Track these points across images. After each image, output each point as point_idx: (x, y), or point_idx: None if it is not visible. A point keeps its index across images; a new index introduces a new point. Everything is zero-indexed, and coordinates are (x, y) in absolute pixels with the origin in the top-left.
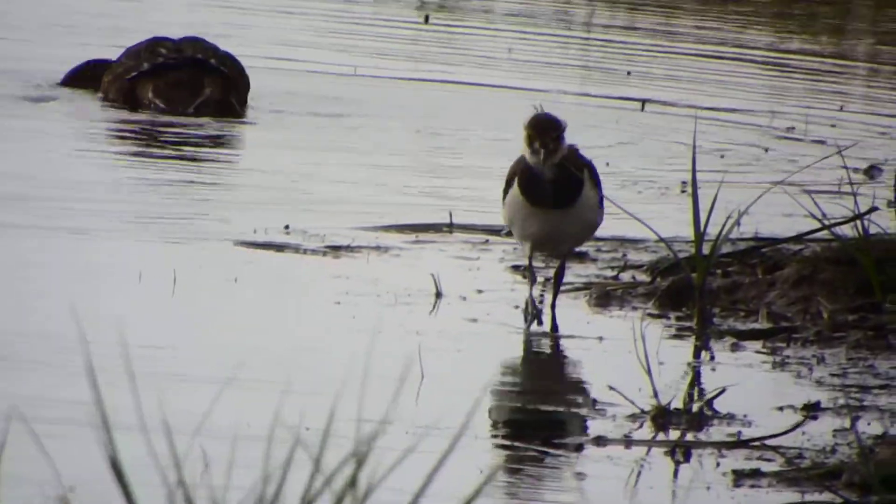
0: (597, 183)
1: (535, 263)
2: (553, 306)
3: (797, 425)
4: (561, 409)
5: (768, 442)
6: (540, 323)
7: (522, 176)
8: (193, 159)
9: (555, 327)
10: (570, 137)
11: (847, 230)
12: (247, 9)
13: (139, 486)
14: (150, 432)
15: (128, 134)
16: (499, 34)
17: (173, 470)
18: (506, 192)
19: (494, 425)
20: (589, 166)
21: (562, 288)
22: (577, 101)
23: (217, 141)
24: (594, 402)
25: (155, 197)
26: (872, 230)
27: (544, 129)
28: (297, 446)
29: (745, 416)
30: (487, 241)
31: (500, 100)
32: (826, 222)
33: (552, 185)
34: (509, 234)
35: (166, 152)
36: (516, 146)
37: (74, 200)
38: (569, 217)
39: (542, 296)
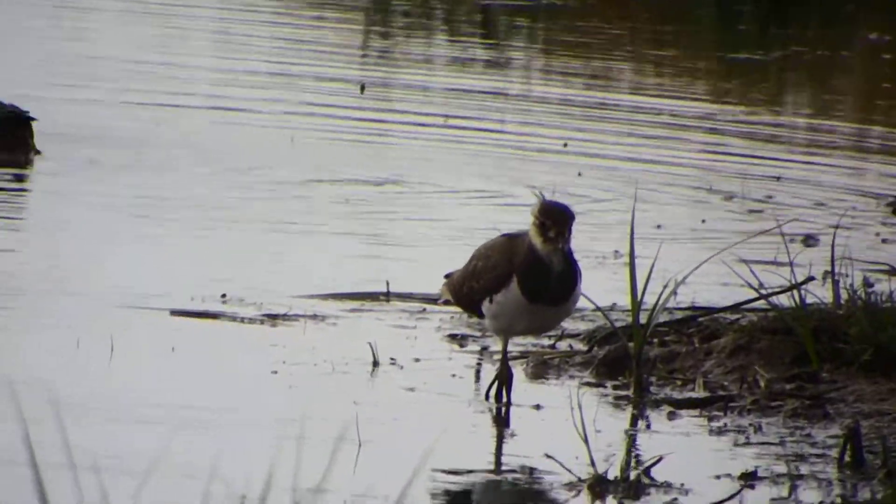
0: (581, 275)
1: (466, 332)
2: (498, 398)
3: (734, 494)
4: (498, 478)
5: None
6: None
7: (527, 268)
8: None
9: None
10: (504, 213)
11: (784, 300)
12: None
13: None
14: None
15: None
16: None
17: None
18: (495, 288)
19: (432, 495)
20: (575, 260)
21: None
22: (515, 167)
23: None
24: (532, 470)
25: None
26: (809, 300)
27: (562, 218)
28: None
29: (682, 484)
30: (424, 309)
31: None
32: (763, 292)
33: (558, 276)
34: (447, 303)
35: None
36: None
37: None
38: (559, 311)
39: (479, 363)
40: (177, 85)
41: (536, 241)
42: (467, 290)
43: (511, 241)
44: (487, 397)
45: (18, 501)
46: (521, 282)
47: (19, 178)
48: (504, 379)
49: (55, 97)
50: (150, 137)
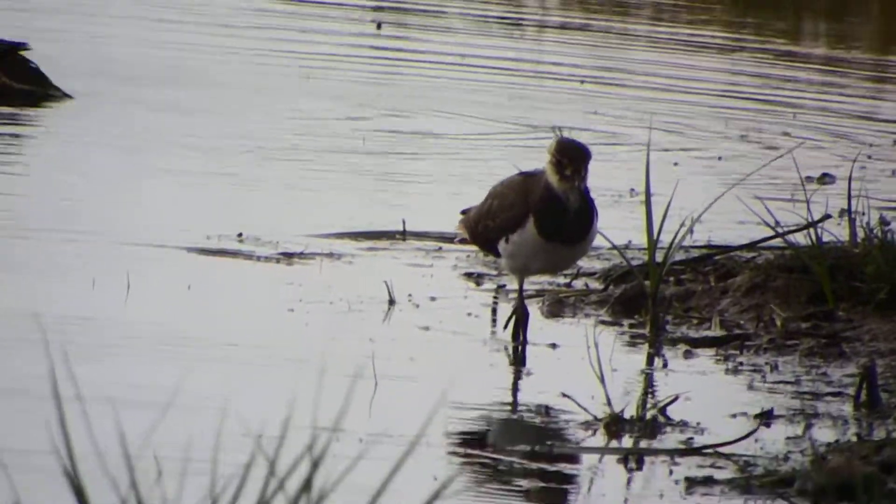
0: (596, 213)
1: (482, 270)
2: (515, 337)
3: (750, 433)
4: (514, 416)
5: (721, 449)
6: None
7: (544, 206)
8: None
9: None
10: (521, 150)
11: (800, 238)
12: None
13: (95, 496)
14: (102, 438)
15: None
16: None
17: (127, 477)
18: (512, 227)
19: (447, 433)
20: (591, 197)
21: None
22: (531, 106)
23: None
24: (547, 409)
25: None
26: (825, 238)
27: (580, 157)
28: (255, 452)
29: (698, 423)
30: (440, 248)
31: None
32: (779, 230)
33: (575, 215)
34: (463, 241)
35: None
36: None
37: None
38: (575, 250)
39: (495, 302)
40: (193, 25)
41: (553, 179)
42: (482, 229)
43: (527, 179)
44: (505, 331)
45: (34, 434)
46: (537, 221)
47: (31, 118)
48: (520, 317)
49: (73, 31)
50: (163, 75)
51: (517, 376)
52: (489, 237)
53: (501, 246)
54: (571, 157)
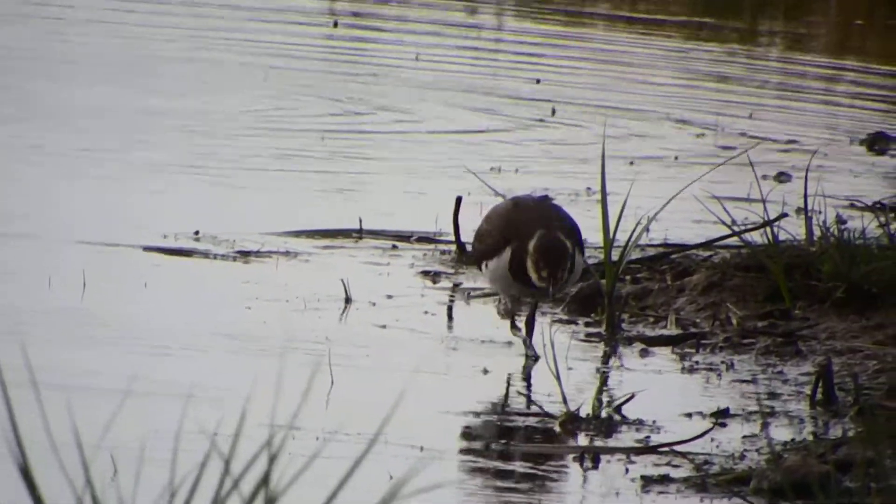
0: (581, 248)
1: (439, 269)
2: (526, 345)
3: (706, 431)
4: (470, 414)
5: (677, 448)
6: (532, 353)
7: (518, 267)
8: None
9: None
10: (479, 147)
11: (757, 237)
12: None
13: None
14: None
15: None
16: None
17: (82, 475)
18: (491, 253)
19: (404, 431)
20: (574, 232)
21: (472, 294)
22: (486, 105)
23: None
24: (503, 407)
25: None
26: (782, 237)
27: (556, 263)
28: (210, 450)
29: (654, 421)
30: (395, 246)
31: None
32: (736, 229)
33: (545, 290)
34: (420, 240)
35: None
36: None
37: None
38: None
39: (451, 300)
40: (146, 15)
41: (533, 276)
42: (472, 250)
43: (516, 210)
44: (526, 345)
45: None
46: (509, 264)
47: None
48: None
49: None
50: (115, 68)
51: (473, 374)
52: (475, 258)
53: (483, 269)
54: (548, 261)
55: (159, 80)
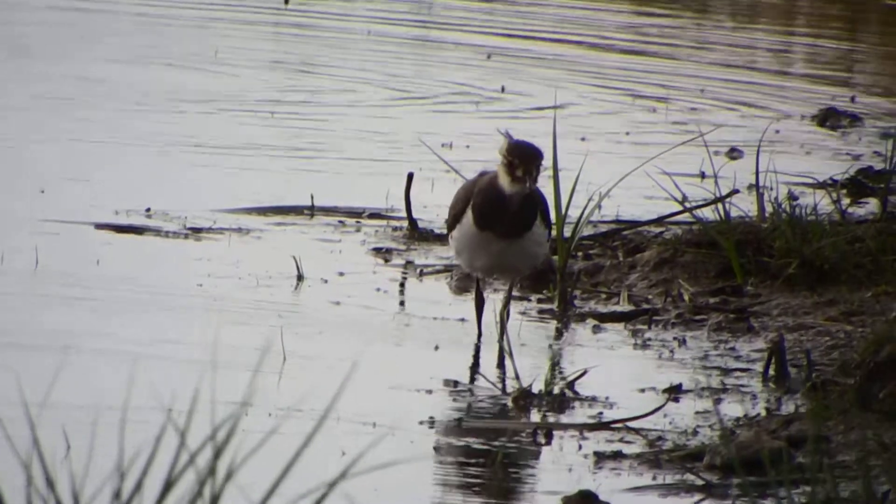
0: (546, 219)
1: (391, 245)
2: (502, 337)
3: (659, 407)
4: (423, 389)
5: (630, 424)
6: (508, 348)
7: (481, 198)
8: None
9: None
10: (430, 123)
11: (708, 213)
12: None
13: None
14: (4, 415)
15: None
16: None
17: (34, 453)
18: (455, 222)
19: (356, 407)
20: (542, 202)
21: (425, 270)
22: (437, 81)
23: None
24: (456, 384)
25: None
26: (734, 213)
27: (531, 159)
28: (164, 427)
29: (606, 398)
30: (343, 222)
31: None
32: (687, 205)
33: (514, 210)
34: (372, 216)
35: None
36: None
37: None
38: (514, 247)
39: (403, 277)
40: None
41: (504, 180)
42: (446, 227)
43: (481, 178)
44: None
45: None
46: (473, 210)
47: None
48: (478, 304)
49: None
50: (60, 47)
51: (425, 350)
52: (447, 234)
53: (450, 242)
54: (523, 158)
55: (106, 52)
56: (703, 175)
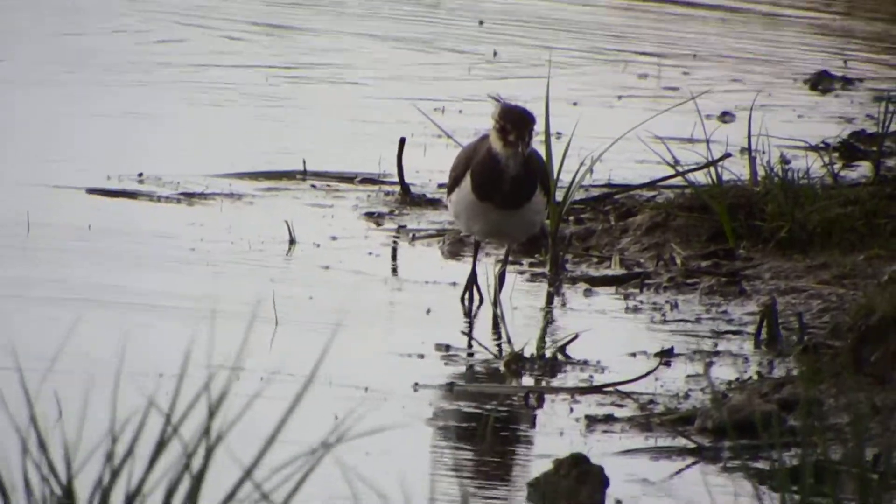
0: (546, 188)
1: (382, 210)
2: (495, 303)
3: (650, 371)
4: (415, 354)
5: (621, 388)
6: (480, 304)
7: (480, 166)
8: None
9: (502, 317)
10: (422, 88)
11: (700, 177)
12: None
13: None
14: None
15: None
16: None
17: (26, 416)
18: (454, 185)
19: (349, 371)
20: (542, 169)
21: (417, 235)
22: (430, 47)
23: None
24: (448, 347)
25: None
26: (726, 177)
27: (523, 123)
28: (155, 390)
29: (598, 361)
30: (328, 185)
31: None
32: (679, 169)
33: (512, 180)
34: (364, 181)
35: None
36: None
37: None
38: (513, 216)
39: (395, 241)
40: None
41: (497, 145)
42: (447, 186)
43: (481, 141)
44: (462, 300)
45: None
46: (472, 179)
47: None
48: (470, 282)
49: None
50: (56, 16)
51: (418, 314)
52: (447, 196)
53: (448, 204)
54: (515, 122)
55: (93, 22)
56: (693, 139)
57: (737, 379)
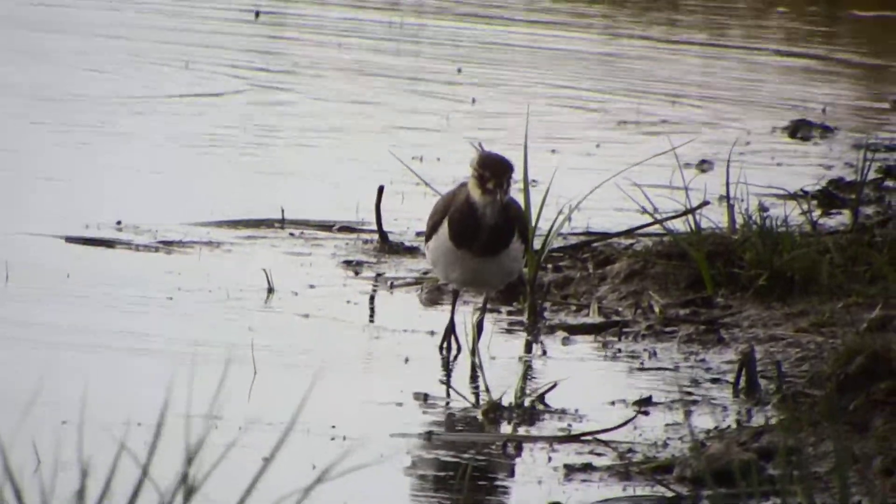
0: (524, 235)
1: (361, 258)
2: (474, 352)
3: (629, 420)
4: (393, 402)
5: (600, 436)
6: (458, 353)
7: (457, 213)
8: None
9: (480, 365)
10: (401, 136)
11: (679, 225)
12: None
13: None
14: None
15: None
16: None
17: (1, 465)
18: (431, 233)
19: (327, 420)
20: (520, 217)
21: (395, 283)
22: (408, 94)
23: None
24: (426, 396)
25: None
26: (704, 224)
27: (501, 170)
28: (124, 439)
29: (576, 410)
30: (318, 236)
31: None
32: (658, 217)
33: (489, 228)
34: (342, 229)
35: None
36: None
37: None
38: (490, 265)
39: (374, 290)
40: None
41: (475, 192)
42: (425, 233)
43: (459, 188)
44: (440, 350)
45: None
46: (449, 226)
47: None
48: (448, 331)
49: None
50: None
51: (396, 363)
52: (425, 243)
53: (426, 252)
54: (493, 170)
55: (69, 64)
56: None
57: (715, 427)
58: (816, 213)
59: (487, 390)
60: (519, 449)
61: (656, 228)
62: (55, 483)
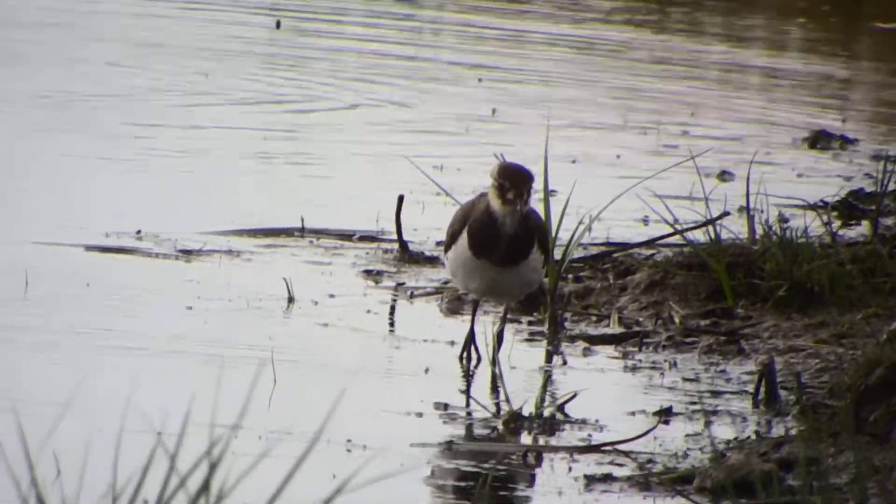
0: (544, 245)
1: (381, 268)
2: (494, 362)
3: (649, 430)
4: (413, 412)
5: (620, 447)
6: (478, 363)
7: (476, 223)
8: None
9: (500, 375)
10: (421, 146)
11: (699, 235)
12: None
13: None
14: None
15: None
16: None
17: (27, 474)
18: (451, 242)
19: (347, 430)
20: (540, 228)
21: (415, 292)
22: (429, 104)
23: None
24: (446, 406)
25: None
26: (724, 235)
27: (522, 180)
28: (154, 450)
29: (597, 420)
30: (340, 245)
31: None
32: (678, 227)
33: (510, 238)
34: (362, 238)
35: None
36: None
37: None
38: (510, 275)
39: (394, 299)
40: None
41: (495, 202)
42: (445, 243)
43: (479, 198)
44: (461, 359)
45: None
46: (469, 236)
47: None
48: (468, 341)
49: None
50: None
51: (416, 373)
52: (445, 252)
53: (446, 262)
54: (513, 180)
55: (89, 70)
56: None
57: (735, 438)
58: (836, 224)
59: (508, 400)
60: (539, 459)
61: (677, 239)
62: (80, 491)
